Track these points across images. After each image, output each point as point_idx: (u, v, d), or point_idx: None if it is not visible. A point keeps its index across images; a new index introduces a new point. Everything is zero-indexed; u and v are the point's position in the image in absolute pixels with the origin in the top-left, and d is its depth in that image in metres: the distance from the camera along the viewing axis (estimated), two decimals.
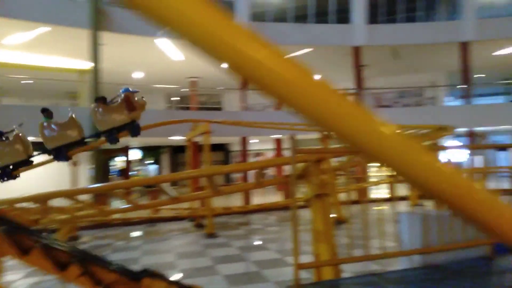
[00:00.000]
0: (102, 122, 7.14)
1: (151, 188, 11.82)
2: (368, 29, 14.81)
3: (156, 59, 15.48)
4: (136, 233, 9.41)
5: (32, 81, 16.30)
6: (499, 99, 20.80)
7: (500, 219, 0.74)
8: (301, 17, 15.26)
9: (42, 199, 4.72)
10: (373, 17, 15.29)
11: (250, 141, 17.46)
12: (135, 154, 21.61)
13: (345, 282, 3.09)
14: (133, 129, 7.45)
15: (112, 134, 7.24)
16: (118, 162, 21.29)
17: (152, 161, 22.84)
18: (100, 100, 7.44)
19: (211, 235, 8.23)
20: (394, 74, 18.98)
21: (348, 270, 4.82)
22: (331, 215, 3.69)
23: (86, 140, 7.85)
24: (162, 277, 1.55)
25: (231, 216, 11.07)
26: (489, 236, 3.37)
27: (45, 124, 7.54)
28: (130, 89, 7.68)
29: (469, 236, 3.48)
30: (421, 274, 3.28)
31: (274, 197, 13.98)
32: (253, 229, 9.36)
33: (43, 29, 12.31)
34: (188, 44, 0.58)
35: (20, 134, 7.60)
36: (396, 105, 19.37)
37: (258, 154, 22.30)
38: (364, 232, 3.32)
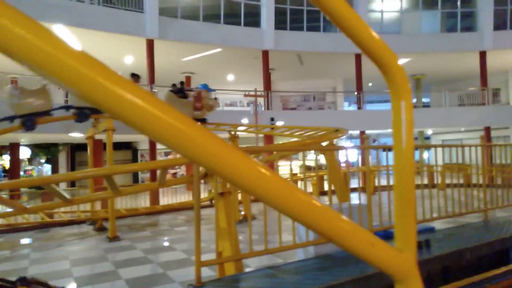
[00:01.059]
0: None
1: (43, 189, 10.64)
2: (276, 34, 15.52)
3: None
4: (24, 240, 8.39)
5: None
6: (388, 106, 23.73)
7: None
8: (212, 16, 15.29)
9: None
10: (281, 24, 16.08)
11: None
12: (25, 152, 19.18)
13: (244, 276, 3.21)
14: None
15: None
16: (3, 160, 18.69)
17: (46, 160, 20.54)
18: (179, 90, 7.03)
19: (113, 239, 7.76)
20: (299, 79, 20.25)
21: (254, 265, 5.03)
22: (240, 213, 3.80)
23: None
24: (39, 283, 1.44)
25: (137, 218, 10.59)
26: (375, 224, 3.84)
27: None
28: (208, 87, 7.65)
29: None
30: (314, 264, 3.57)
31: (184, 196, 13.78)
32: (160, 230, 9.09)
33: None
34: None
35: None
36: (301, 108, 20.68)
37: (167, 153, 21.68)
38: (264, 228, 3.49)
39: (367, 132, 16.61)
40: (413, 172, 0.93)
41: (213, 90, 8.20)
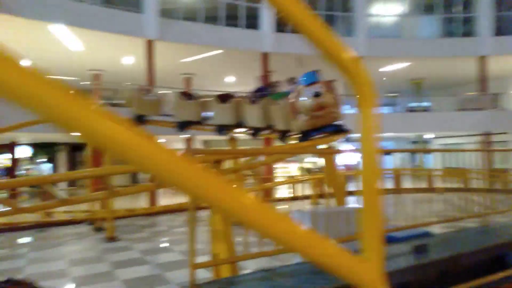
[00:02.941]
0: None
1: (42, 189, 10.64)
2: (275, 36, 15.56)
3: (50, 47, 14.01)
4: (22, 240, 8.38)
5: None
6: (385, 110, 23.76)
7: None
8: (211, 18, 15.33)
9: None
10: (281, 26, 16.12)
11: (158, 140, 16.87)
12: (24, 152, 19.18)
13: (239, 278, 3.21)
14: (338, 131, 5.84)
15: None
16: (3, 160, 18.69)
17: (45, 159, 20.54)
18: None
19: (111, 239, 7.76)
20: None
21: (251, 268, 5.02)
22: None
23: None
24: (27, 284, 1.45)
25: (135, 219, 10.58)
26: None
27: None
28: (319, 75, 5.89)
29: (351, 231, 3.92)
30: (308, 267, 3.58)
31: (182, 198, 13.77)
32: (158, 231, 9.09)
33: None
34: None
35: None
36: None
37: None
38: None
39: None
40: (377, 179, 0.91)
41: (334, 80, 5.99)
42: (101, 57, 15.56)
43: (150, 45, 13.99)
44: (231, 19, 15.53)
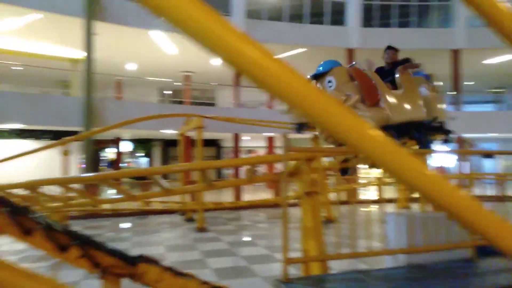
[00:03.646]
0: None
1: (141, 180, 11.82)
2: (362, 32, 14.95)
3: (150, 51, 15.41)
4: (126, 225, 9.41)
5: (22, 68, 16.07)
6: (489, 107, 21.21)
7: (483, 221, 0.82)
8: (296, 17, 15.33)
9: (33, 185, 4.71)
10: (368, 21, 15.44)
11: (242, 138, 17.52)
12: (126, 146, 21.48)
13: (332, 277, 3.18)
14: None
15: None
16: (109, 153, 21.16)
17: (143, 154, 22.73)
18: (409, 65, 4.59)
19: (201, 230, 8.28)
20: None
21: (335, 269, 4.93)
22: (321, 214, 3.77)
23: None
24: (156, 263, 1.60)
25: (221, 212, 11.13)
26: (475, 237, 3.50)
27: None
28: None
29: (453, 238, 3.60)
30: (405, 273, 3.38)
31: (264, 194, 14.08)
32: (243, 225, 9.44)
33: (36, 15, 12.16)
34: (186, 37, 0.67)
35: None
36: None
37: (250, 151, 22.35)
38: (351, 231, 3.41)
39: (466, 135, 15.07)
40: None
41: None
42: (192, 59, 16.63)
43: None
44: (316, 16, 15.35)
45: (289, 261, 2.99)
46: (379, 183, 11.10)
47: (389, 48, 5.17)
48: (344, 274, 3.31)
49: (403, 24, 15.72)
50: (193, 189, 5.68)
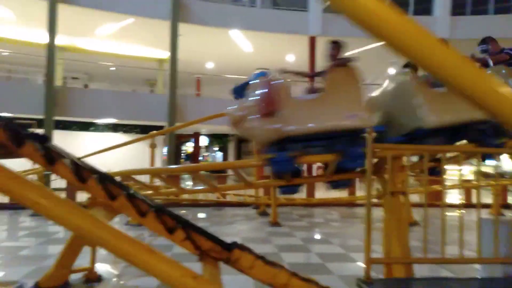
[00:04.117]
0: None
1: (218, 173, 12.38)
2: (452, 21, 13.74)
3: (228, 50, 15.99)
4: (203, 215, 9.96)
5: (114, 68, 17.79)
6: None
7: None
8: None
9: (130, 174, 5.23)
10: (458, 8, 14.14)
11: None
12: (202, 141, 22.66)
13: (418, 282, 3.02)
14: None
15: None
16: (188, 147, 22.49)
17: (218, 148, 23.77)
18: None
19: (274, 224, 8.42)
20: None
21: (417, 274, 4.66)
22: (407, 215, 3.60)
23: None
24: (250, 251, 1.69)
25: (293, 208, 11.17)
26: None
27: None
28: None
29: None
30: (502, 285, 3.08)
31: (336, 193, 13.76)
32: (316, 222, 9.38)
33: (128, 20, 13.39)
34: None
35: None
36: None
37: None
38: (442, 235, 3.18)
39: None
40: None
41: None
42: (267, 56, 16.89)
43: (312, 41, 14.39)
44: (400, 6, 14.50)
45: (372, 261, 2.92)
46: (468, 185, 10.20)
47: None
48: (431, 280, 3.13)
49: (500, 11, 14.08)
50: (271, 183, 5.80)
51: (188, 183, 15.05)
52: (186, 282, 1.22)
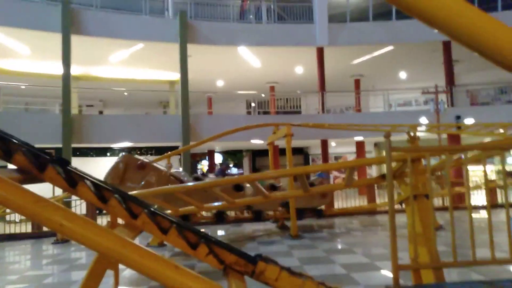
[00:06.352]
0: None
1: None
2: None
3: (237, 66, 16.19)
4: (222, 231, 9.92)
5: (127, 93, 18.16)
6: None
7: None
8: (381, 15, 14.66)
9: (148, 195, 5.27)
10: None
11: (330, 144, 17.21)
12: (218, 158, 22.75)
13: (452, 286, 2.90)
14: None
15: None
16: (203, 165, 22.62)
17: (233, 164, 23.81)
18: None
19: (295, 237, 8.31)
20: (490, 69, 17.14)
21: (446, 280, 4.49)
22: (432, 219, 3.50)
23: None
24: (275, 263, 1.66)
25: (312, 219, 11.02)
26: None
27: None
28: None
29: None
30: None
31: (355, 201, 13.55)
32: (337, 233, 9.22)
33: (138, 46, 13.73)
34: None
35: None
36: (497, 103, 17.40)
37: (337, 157, 21.84)
38: (470, 237, 3.07)
39: None
40: None
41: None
42: (276, 70, 17.02)
43: (320, 52, 14.45)
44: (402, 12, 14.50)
45: (400, 268, 2.83)
46: (492, 185, 9.90)
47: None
48: (463, 285, 3.01)
49: (508, 7, 13.90)
50: (291, 194, 5.76)
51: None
52: None
